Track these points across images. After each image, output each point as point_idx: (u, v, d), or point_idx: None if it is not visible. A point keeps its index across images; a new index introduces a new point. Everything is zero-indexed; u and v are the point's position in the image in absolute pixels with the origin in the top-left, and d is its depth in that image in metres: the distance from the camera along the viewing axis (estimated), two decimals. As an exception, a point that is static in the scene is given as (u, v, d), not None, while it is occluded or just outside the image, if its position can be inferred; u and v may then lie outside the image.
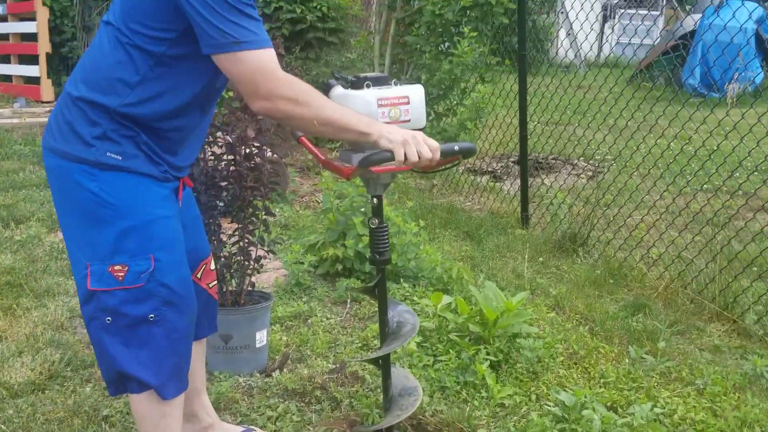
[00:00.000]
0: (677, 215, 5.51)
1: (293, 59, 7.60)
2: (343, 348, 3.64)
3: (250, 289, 3.55)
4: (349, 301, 4.22)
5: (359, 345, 3.68)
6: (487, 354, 3.41)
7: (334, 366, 3.42)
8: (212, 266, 2.65)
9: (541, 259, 5.12)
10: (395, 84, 2.46)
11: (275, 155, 4.58)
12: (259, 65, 2.09)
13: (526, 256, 5.10)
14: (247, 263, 3.48)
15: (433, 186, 7.14)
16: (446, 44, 5.61)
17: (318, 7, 7.47)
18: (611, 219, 5.60)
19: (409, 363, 3.41)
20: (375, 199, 2.54)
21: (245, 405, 3.11)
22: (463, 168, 7.83)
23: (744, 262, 4.58)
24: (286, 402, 3.12)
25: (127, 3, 2.14)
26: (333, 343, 3.71)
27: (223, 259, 3.42)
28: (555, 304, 4.32)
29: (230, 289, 3.46)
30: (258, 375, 3.37)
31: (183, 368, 2.33)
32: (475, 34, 5.50)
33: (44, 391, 3.13)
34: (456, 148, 2.39)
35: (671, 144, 8.17)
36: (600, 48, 16.80)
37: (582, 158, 8.56)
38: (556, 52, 14.39)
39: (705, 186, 6.94)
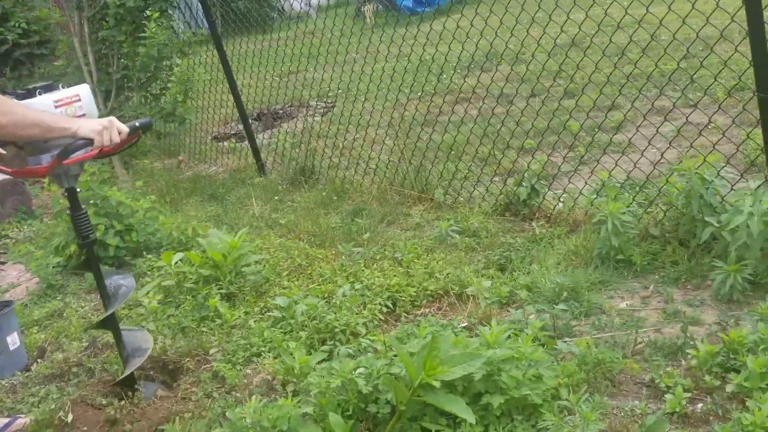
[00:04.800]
0: (389, 125, 6.16)
1: (6, 81, 7.58)
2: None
3: (-12, 302, 3.81)
4: (100, 286, 4.54)
5: (111, 319, 4.04)
6: (220, 288, 3.90)
7: (86, 344, 3.77)
8: None
9: (276, 197, 5.65)
10: (62, 87, 2.85)
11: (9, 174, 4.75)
12: None
13: (264, 200, 5.61)
14: (-22, 280, 3.73)
15: (180, 162, 7.46)
16: (142, 30, 5.92)
17: (17, 24, 7.49)
18: (337, 146, 6.19)
19: (154, 319, 3.82)
20: (68, 191, 2.91)
21: (10, 401, 3.41)
22: (210, 137, 8.18)
23: (445, 151, 5.29)
24: (47, 386, 3.46)
25: None
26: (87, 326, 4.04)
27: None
28: (287, 231, 4.86)
29: (-31, 307, 3.71)
30: (20, 374, 3.66)
31: None
32: (157, 14, 5.83)
33: None
34: (137, 124, 2.86)
35: (388, 63, 8.90)
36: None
37: (317, 99, 9.16)
38: (284, 6, 14.83)
39: (419, 93, 7.72)
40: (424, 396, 2.37)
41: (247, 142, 6.44)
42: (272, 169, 6.37)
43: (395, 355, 2.62)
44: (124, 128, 2.76)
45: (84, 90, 2.87)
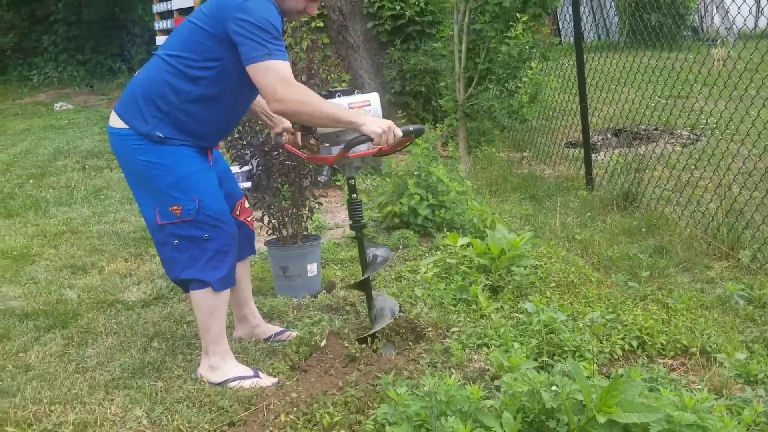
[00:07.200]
0: (748, 176, 5.52)
1: (395, 50, 8.54)
2: (381, 279, 4.52)
3: (305, 233, 4.54)
4: (400, 247, 5.09)
5: (394, 277, 4.54)
6: (487, 279, 4.17)
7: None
8: (246, 204, 3.64)
9: (588, 214, 5.72)
10: (357, 93, 3.37)
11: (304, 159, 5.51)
12: (280, 73, 3.04)
13: (577, 213, 5.72)
14: (300, 213, 4.45)
15: (523, 158, 7.80)
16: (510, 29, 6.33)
17: (416, 2, 8.42)
18: (680, 180, 5.86)
19: (424, 287, 4.22)
20: (350, 180, 3.42)
21: (291, 316, 4.09)
22: (564, 141, 8.34)
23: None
24: (323, 314, 4.06)
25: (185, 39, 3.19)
26: (375, 276, 4.60)
27: (279, 214, 4.41)
28: (580, 247, 4.94)
29: (288, 233, 4.45)
30: (309, 297, 4.34)
31: (230, 271, 3.32)
32: (526, 18, 6.17)
33: (149, 306, 4.28)
34: (411, 129, 3.30)
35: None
36: (756, 18, 16.29)
37: (687, 128, 8.77)
38: (701, 26, 14.22)
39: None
40: (594, 429, 2.43)
41: (599, 155, 6.47)
42: (600, 186, 6.40)
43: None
44: (399, 132, 3.17)
45: (374, 98, 3.35)
